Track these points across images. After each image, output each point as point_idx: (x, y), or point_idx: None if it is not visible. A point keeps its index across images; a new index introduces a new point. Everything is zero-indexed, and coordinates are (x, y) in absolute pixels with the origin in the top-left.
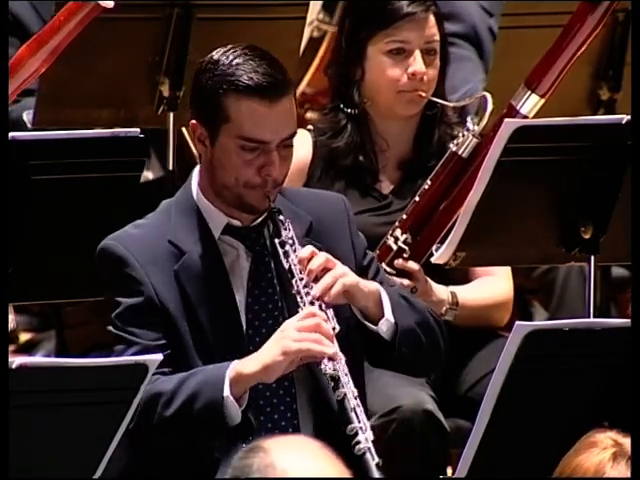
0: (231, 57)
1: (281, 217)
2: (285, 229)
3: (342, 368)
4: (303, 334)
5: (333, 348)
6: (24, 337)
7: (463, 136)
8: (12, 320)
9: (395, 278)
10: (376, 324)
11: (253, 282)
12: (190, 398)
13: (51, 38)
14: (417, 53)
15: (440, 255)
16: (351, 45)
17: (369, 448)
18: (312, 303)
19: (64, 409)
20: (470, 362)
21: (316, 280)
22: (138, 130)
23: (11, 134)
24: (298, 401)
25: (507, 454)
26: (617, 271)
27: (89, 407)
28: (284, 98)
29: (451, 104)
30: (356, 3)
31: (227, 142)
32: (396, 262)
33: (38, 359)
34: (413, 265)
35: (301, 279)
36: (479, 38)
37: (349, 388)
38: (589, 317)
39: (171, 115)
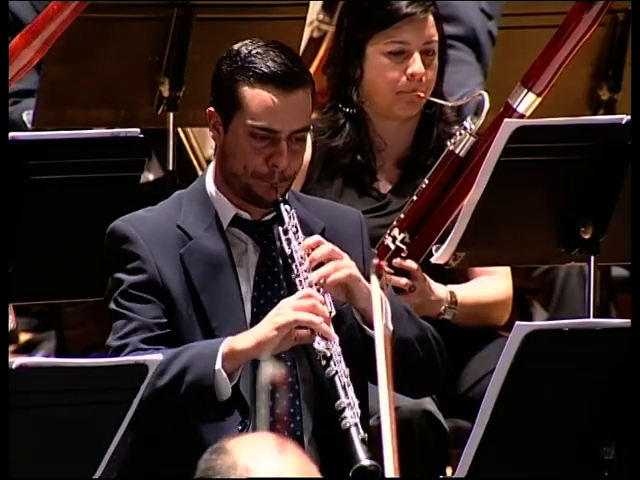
0: (251, 47)
1: (286, 207)
2: (289, 217)
3: (335, 348)
4: (298, 311)
5: (323, 319)
6: (24, 337)
7: (460, 135)
8: (12, 320)
9: (393, 277)
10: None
11: (260, 276)
12: (182, 370)
13: (45, 28)
14: (416, 54)
15: (440, 255)
16: (350, 45)
17: (355, 423)
18: (311, 287)
19: (64, 409)
20: (470, 362)
21: (317, 268)
22: (138, 130)
23: (11, 134)
24: (301, 386)
25: (507, 454)
26: (617, 271)
27: (89, 407)
28: (299, 90)
29: (449, 103)
30: (355, 3)
31: (238, 129)
32: (394, 261)
33: (38, 359)
34: (411, 264)
35: (301, 264)
36: (478, 41)
37: (340, 367)
38: (589, 317)
39: (171, 115)
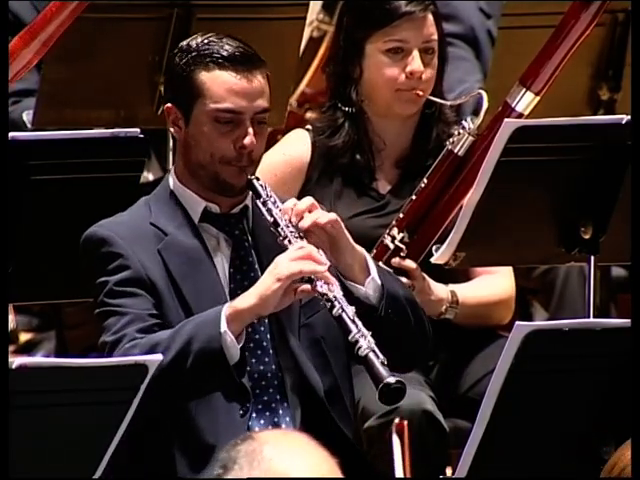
0: (202, 38)
1: (260, 182)
2: (265, 190)
3: (337, 290)
4: (295, 260)
5: (325, 266)
6: (24, 337)
7: (459, 134)
8: (12, 320)
9: None
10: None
11: (235, 268)
12: (187, 341)
13: (43, 29)
14: (415, 52)
15: (440, 255)
16: (349, 44)
17: (372, 349)
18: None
19: (64, 409)
20: (470, 362)
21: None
22: (138, 130)
23: (11, 134)
24: (285, 374)
25: (507, 454)
26: (617, 271)
27: (89, 407)
28: (257, 72)
29: (448, 102)
30: (355, 1)
31: (201, 117)
32: (393, 261)
33: (38, 359)
34: (410, 263)
35: (287, 226)
36: (477, 39)
37: (345, 305)
38: (589, 317)
39: None
